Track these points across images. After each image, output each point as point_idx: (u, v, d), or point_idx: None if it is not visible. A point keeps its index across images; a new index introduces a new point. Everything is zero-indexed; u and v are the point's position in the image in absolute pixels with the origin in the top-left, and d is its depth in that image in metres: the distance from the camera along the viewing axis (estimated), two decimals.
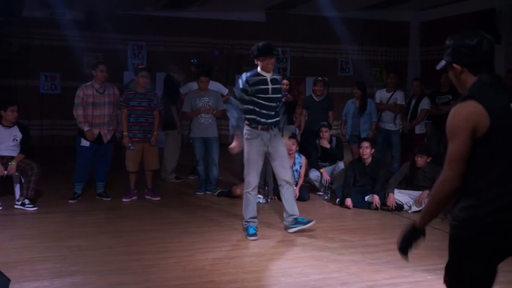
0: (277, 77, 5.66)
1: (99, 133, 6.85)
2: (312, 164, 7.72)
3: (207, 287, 4.11)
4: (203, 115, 7.42)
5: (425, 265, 4.47)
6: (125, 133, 6.97)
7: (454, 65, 2.43)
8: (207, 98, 7.49)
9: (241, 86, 5.39)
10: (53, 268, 4.42)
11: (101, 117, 6.83)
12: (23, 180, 6.61)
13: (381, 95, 8.53)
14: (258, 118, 5.39)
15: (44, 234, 5.42)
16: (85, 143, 6.83)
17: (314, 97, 8.33)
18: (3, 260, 4.51)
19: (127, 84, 10.17)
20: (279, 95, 5.54)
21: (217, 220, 6.16)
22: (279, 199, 7.26)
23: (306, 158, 7.56)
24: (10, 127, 6.68)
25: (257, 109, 5.38)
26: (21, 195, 6.55)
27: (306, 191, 7.38)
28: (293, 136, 7.95)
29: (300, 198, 7.21)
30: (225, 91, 8.32)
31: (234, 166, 7.88)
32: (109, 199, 7.07)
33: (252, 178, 5.47)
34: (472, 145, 2.26)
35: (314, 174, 7.68)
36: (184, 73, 11.01)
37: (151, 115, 7.05)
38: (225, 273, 4.42)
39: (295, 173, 7.41)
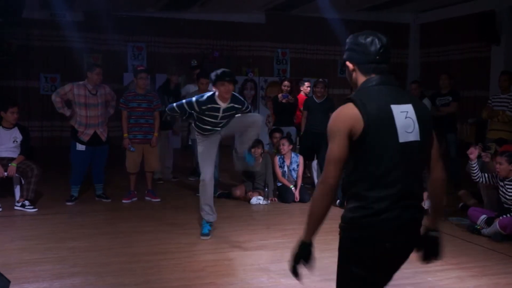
0: (236, 105, 5.37)
1: (95, 133, 6.84)
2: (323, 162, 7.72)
3: None
4: None
5: (426, 266, 4.45)
6: (125, 135, 6.97)
7: (347, 63, 2.39)
8: None
9: (192, 100, 5.28)
10: (53, 270, 4.42)
11: (95, 118, 6.82)
12: (23, 182, 6.60)
13: None
14: (202, 131, 5.43)
15: (44, 236, 5.42)
16: (80, 147, 6.83)
17: (314, 98, 8.32)
18: (3, 262, 4.51)
19: (127, 85, 10.16)
20: (227, 118, 5.40)
21: (217, 221, 6.16)
22: (280, 200, 7.31)
23: (313, 158, 7.55)
24: (10, 128, 6.68)
25: (201, 123, 5.39)
26: (21, 196, 6.55)
27: (306, 192, 7.37)
28: (287, 136, 7.92)
29: (301, 200, 7.21)
30: None
31: (234, 168, 7.89)
32: (109, 200, 7.08)
33: (207, 169, 5.41)
34: (351, 147, 2.22)
35: None
36: (184, 74, 10.99)
37: (151, 116, 7.06)
38: (225, 274, 4.42)
39: (293, 172, 7.41)
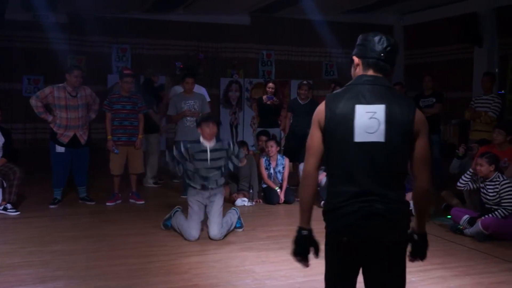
0: (221, 144, 5.72)
1: (74, 136, 6.79)
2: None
3: None
4: (188, 118, 7.39)
5: (409, 266, 4.47)
6: (109, 137, 6.93)
7: (354, 57, 2.51)
8: (192, 101, 7.47)
9: (181, 150, 5.59)
10: (36, 273, 4.38)
11: (75, 120, 6.77)
12: (5, 185, 6.53)
13: None
14: (195, 183, 5.60)
15: (26, 239, 5.37)
16: (60, 149, 6.78)
17: (299, 100, 8.35)
18: None
19: (111, 87, 10.10)
20: (218, 164, 5.67)
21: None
22: (264, 202, 7.32)
23: (297, 160, 7.56)
24: None
25: (195, 172, 5.60)
26: (3, 199, 6.48)
27: (292, 193, 7.38)
28: (273, 137, 7.92)
29: (286, 201, 7.22)
30: (208, 99, 8.21)
31: None
32: (93, 203, 7.03)
33: (195, 231, 5.51)
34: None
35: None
36: (169, 76, 10.95)
37: (135, 118, 7.03)
38: (209, 276, 4.41)
39: (278, 174, 7.42)
